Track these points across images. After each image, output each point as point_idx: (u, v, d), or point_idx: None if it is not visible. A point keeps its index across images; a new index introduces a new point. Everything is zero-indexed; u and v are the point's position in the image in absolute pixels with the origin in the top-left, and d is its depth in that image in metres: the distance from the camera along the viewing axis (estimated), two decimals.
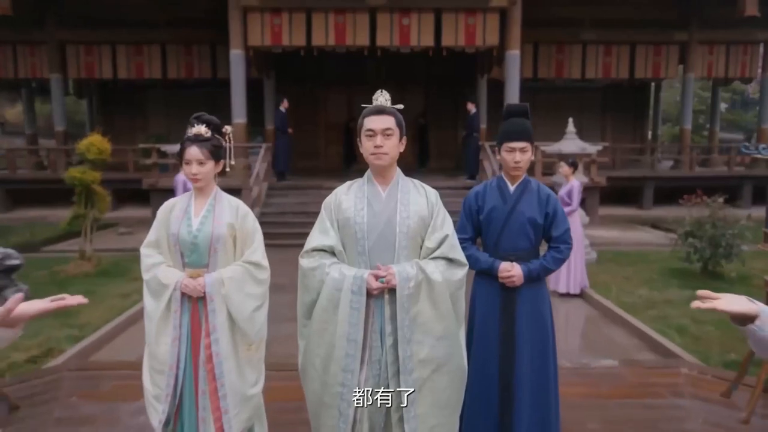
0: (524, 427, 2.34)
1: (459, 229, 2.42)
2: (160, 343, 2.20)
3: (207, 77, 12.41)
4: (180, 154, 2.22)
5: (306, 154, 13.80)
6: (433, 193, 2.08)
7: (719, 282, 6.10)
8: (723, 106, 22.45)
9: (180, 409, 2.23)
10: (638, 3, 11.88)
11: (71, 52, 12.30)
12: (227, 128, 2.33)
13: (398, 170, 2.09)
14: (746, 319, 1.15)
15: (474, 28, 10.11)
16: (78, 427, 2.97)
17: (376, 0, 9.91)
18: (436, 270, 1.95)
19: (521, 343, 2.39)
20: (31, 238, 9.26)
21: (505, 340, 2.40)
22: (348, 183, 2.12)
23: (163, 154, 10.04)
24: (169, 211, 2.27)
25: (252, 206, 8.95)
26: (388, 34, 10.12)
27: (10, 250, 5.41)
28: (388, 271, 1.92)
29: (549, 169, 9.71)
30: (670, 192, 11.60)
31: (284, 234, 8.18)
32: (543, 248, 2.51)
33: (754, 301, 1.16)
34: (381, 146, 1.97)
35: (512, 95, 10.09)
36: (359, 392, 1.89)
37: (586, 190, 7.17)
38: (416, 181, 2.13)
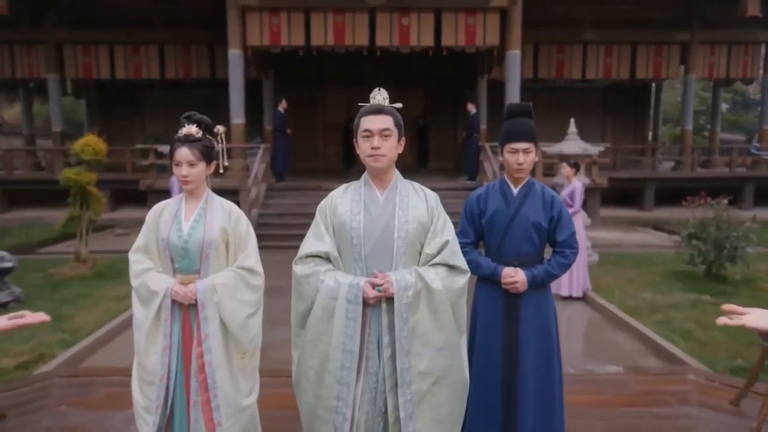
0: None
1: (460, 233, 2.34)
2: (149, 352, 2.11)
3: (205, 77, 12.35)
4: (170, 155, 2.13)
5: (305, 154, 13.73)
6: (433, 197, 1.99)
7: (723, 285, 6.02)
8: (724, 106, 22.40)
9: (171, 421, 2.15)
10: (639, 3, 11.83)
11: (69, 52, 12.23)
12: (219, 128, 2.24)
13: (397, 172, 2.00)
14: None
15: (474, 28, 10.04)
16: None
17: (376, 0, 9.84)
18: (436, 278, 1.87)
19: (525, 351, 2.31)
20: (27, 239, 9.19)
21: (508, 348, 2.32)
22: (344, 186, 2.03)
23: (161, 155, 9.97)
24: (159, 214, 2.19)
25: (250, 207, 8.93)
26: (388, 34, 10.05)
27: (2, 253, 5.34)
28: (386, 279, 1.83)
29: (550, 170, 9.64)
30: (671, 193, 11.53)
31: (283, 236, 8.11)
32: (547, 253, 2.43)
33: None
34: (378, 148, 1.88)
35: (512, 95, 10.03)
36: (355, 406, 1.80)
37: (588, 191, 7.09)
38: (416, 183, 2.04)
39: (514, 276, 2.27)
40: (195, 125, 2.14)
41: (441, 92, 14.24)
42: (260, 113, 12.31)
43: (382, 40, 10.06)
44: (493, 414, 2.31)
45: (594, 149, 8.71)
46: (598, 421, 3.03)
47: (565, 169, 6.03)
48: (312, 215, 2.02)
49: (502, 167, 7.26)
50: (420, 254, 1.93)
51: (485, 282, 2.38)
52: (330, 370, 1.84)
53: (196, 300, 2.09)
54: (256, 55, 10.62)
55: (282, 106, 11.03)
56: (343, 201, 1.96)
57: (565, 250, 2.33)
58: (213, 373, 2.10)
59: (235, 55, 9.98)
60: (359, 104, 1.96)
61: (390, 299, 1.84)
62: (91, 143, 6.65)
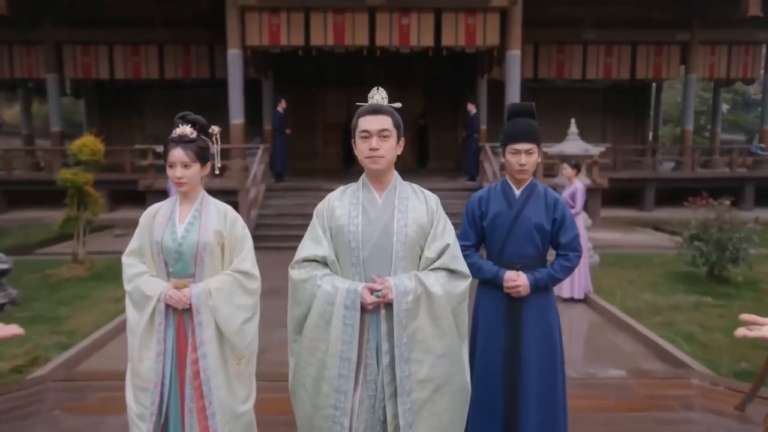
0: None
1: (461, 235, 2.29)
2: (143, 358, 2.07)
3: (205, 77, 12.31)
4: (164, 156, 2.09)
5: (304, 154, 13.68)
6: (433, 199, 1.94)
7: (725, 287, 5.98)
8: (724, 107, 22.37)
9: (165, 428, 2.10)
10: (639, 3, 11.79)
11: (68, 52, 12.18)
12: (214, 128, 2.19)
13: (396, 174, 1.94)
14: None
15: (474, 28, 10.00)
16: None
17: (376, 0, 9.79)
18: (436, 282, 1.81)
19: (527, 356, 2.27)
20: (25, 240, 9.14)
21: (510, 352, 2.27)
22: (342, 188, 1.98)
23: (160, 155, 9.91)
24: (152, 217, 2.14)
25: (249, 208, 8.88)
26: (388, 34, 10.01)
27: None
28: (384, 284, 1.78)
29: (550, 171, 9.59)
30: (671, 193, 11.49)
31: (282, 236, 8.07)
32: (550, 255, 2.38)
33: None
34: (377, 149, 1.82)
35: (513, 96, 9.99)
36: (353, 415, 1.75)
37: (588, 191, 7.04)
38: (415, 185, 1.98)
39: (517, 280, 2.23)
40: (189, 125, 2.09)
41: (441, 92, 14.20)
42: (260, 113, 12.27)
43: (381, 40, 10.02)
44: (494, 417, 2.27)
45: (595, 150, 8.66)
46: (601, 426, 2.99)
47: (567, 169, 5.98)
48: (311, 216, 1.97)
49: (502, 168, 7.16)
50: (420, 258, 1.88)
51: (487, 285, 2.33)
52: (327, 378, 1.79)
53: (190, 305, 2.05)
54: (255, 55, 10.58)
55: (281, 106, 10.99)
56: (340, 203, 1.91)
57: (569, 253, 2.28)
58: (208, 379, 2.06)
59: (234, 55, 9.94)
60: (357, 104, 1.91)
61: (389, 305, 1.79)
62: (88, 143, 6.59)
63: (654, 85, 15.36)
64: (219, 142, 2.21)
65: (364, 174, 1.94)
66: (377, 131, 1.83)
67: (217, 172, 2.20)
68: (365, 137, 1.85)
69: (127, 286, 2.11)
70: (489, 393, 2.27)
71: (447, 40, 10.05)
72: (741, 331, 1.01)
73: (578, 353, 4.49)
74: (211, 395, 2.06)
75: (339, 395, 1.77)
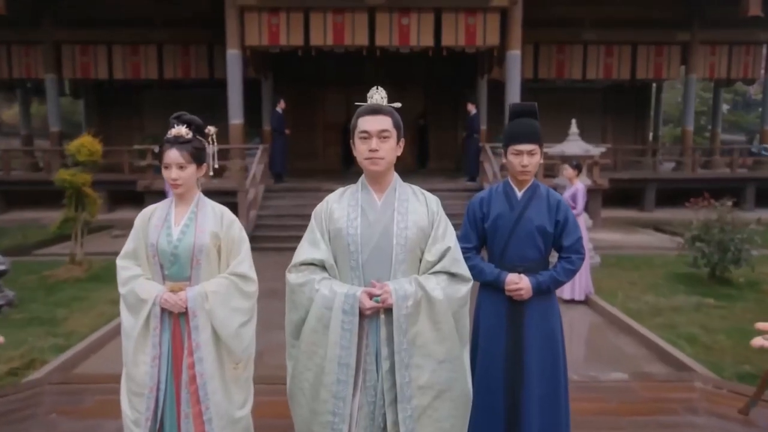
0: None
1: (462, 237, 2.26)
2: (138, 362, 2.03)
3: (204, 77, 12.28)
4: (159, 157, 2.05)
5: (304, 155, 13.65)
6: (434, 201, 1.90)
7: (727, 288, 5.94)
8: (725, 107, 22.35)
9: None
10: (639, 3, 11.76)
11: (67, 52, 12.15)
12: (210, 129, 2.15)
13: (395, 175, 1.91)
14: None
15: (474, 28, 9.97)
16: None
17: (375, 0, 9.76)
18: (437, 286, 1.78)
19: (529, 358, 2.24)
20: (23, 240, 9.11)
21: (512, 355, 2.24)
22: (341, 189, 1.94)
23: (158, 156, 9.86)
24: (147, 219, 2.10)
25: (249, 209, 8.84)
26: (388, 34, 9.98)
27: None
28: (384, 289, 1.74)
29: (550, 171, 9.56)
30: (672, 194, 11.47)
31: (281, 237, 8.03)
32: (553, 258, 2.35)
33: None
34: (377, 150, 1.78)
35: (513, 96, 9.96)
36: (352, 421, 1.71)
37: (589, 192, 7.01)
38: (415, 187, 1.95)
39: (519, 283, 2.19)
40: (185, 126, 2.05)
41: (441, 92, 14.17)
42: (259, 113, 12.24)
43: (381, 40, 9.99)
44: (496, 421, 2.24)
45: (595, 150, 8.63)
46: (603, 430, 2.96)
47: (567, 170, 5.95)
48: (311, 217, 1.94)
49: (502, 168, 7.11)
50: (420, 261, 1.84)
51: (488, 288, 2.30)
52: (325, 384, 1.75)
53: (186, 308, 2.01)
54: (254, 55, 10.55)
55: (280, 107, 10.95)
56: (339, 206, 1.87)
57: (572, 255, 2.25)
58: (205, 384, 2.02)
59: (233, 55, 9.90)
60: (356, 103, 1.87)
61: (388, 310, 1.75)
62: (86, 144, 6.56)
63: (654, 85, 15.33)
64: (215, 143, 2.18)
65: (363, 175, 1.90)
66: (377, 132, 1.79)
67: (211, 173, 2.15)
68: (365, 138, 1.81)
69: (122, 290, 2.07)
70: (490, 396, 2.24)
71: (447, 40, 10.02)
72: (758, 341, 0.97)
73: (579, 355, 4.45)
74: (208, 400, 2.03)
75: (337, 401, 1.73)
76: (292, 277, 1.85)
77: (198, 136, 2.09)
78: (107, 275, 6.48)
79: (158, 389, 2.03)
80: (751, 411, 2.99)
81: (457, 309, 1.82)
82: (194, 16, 11.50)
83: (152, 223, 2.09)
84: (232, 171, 9.77)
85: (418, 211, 1.85)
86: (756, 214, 8.80)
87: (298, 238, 1.95)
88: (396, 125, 1.84)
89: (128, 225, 2.16)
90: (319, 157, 14.37)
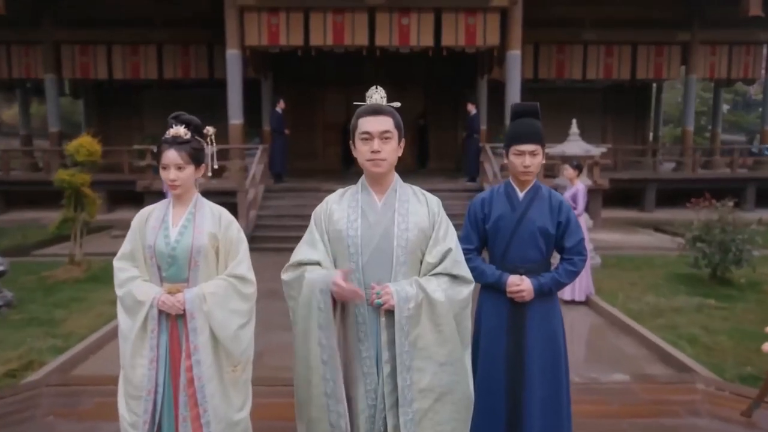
0: None
1: (463, 238, 2.24)
2: (135, 365, 2.01)
3: (204, 78, 12.25)
4: (157, 158, 2.03)
5: (304, 155, 13.63)
6: (434, 202, 1.88)
7: (728, 288, 5.92)
8: (725, 107, 22.34)
9: None
10: (640, 3, 11.74)
11: (66, 52, 12.12)
12: (209, 129, 2.13)
13: (396, 176, 1.89)
14: None
15: (474, 28, 9.95)
16: None
17: (375, 0, 9.74)
18: (438, 288, 1.76)
19: (530, 360, 2.22)
20: (23, 241, 9.08)
21: (513, 357, 2.22)
22: (341, 190, 1.92)
23: (157, 156, 9.83)
24: (145, 220, 2.08)
25: (248, 209, 8.82)
26: (388, 34, 9.95)
27: None
28: (385, 291, 1.73)
29: (550, 171, 9.54)
30: (672, 194, 11.45)
31: (281, 237, 8.01)
32: (554, 259, 2.33)
33: None
34: (379, 151, 1.76)
35: (513, 96, 9.94)
36: (352, 416, 1.69)
37: (589, 192, 6.99)
38: (416, 187, 1.93)
39: (520, 284, 2.17)
40: (183, 126, 2.03)
41: (441, 92, 14.15)
42: (259, 114, 12.22)
43: (381, 40, 9.96)
44: (497, 423, 2.22)
45: (596, 150, 8.61)
46: None
47: (568, 170, 5.93)
48: (311, 217, 1.92)
49: (502, 169, 7.08)
50: (421, 263, 1.82)
51: (490, 289, 2.28)
52: (313, 367, 1.76)
53: (184, 310, 1.99)
54: (254, 55, 10.52)
55: (280, 107, 10.93)
56: (339, 207, 1.85)
57: (574, 257, 2.23)
58: (203, 387, 2.00)
59: (233, 55, 9.88)
60: (355, 103, 1.85)
61: (389, 313, 1.74)
62: (85, 144, 6.53)
63: (654, 85, 15.31)
64: (214, 143, 2.16)
65: (363, 176, 1.88)
66: (379, 133, 1.77)
67: (210, 174, 2.13)
68: (366, 139, 1.79)
69: (119, 291, 2.05)
70: (491, 398, 2.22)
71: (447, 40, 10.00)
72: None
73: (580, 357, 4.43)
74: (206, 403, 2.01)
75: (327, 383, 1.73)
76: (287, 275, 1.85)
77: (196, 137, 2.07)
78: (106, 276, 6.43)
79: (156, 392, 2.01)
80: (754, 413, 2.97)
81: (459, 311, 1.80)
82: (194, 16, 11.48)
83: (149, 224, 2.07)
84: (232, 171, 9.75)
85: (419, 212, 1.83)
86: (756, 215, 8.79)
87: (298, 239, 1.94)
88: (397, 126, 1.82)
89: (127, 225, 2.14)
90: (318, 157, 14.35)
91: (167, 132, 2.03)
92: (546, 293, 2.22)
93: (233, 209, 2.56)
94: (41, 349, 4.14)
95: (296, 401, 1.89)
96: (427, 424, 1.74)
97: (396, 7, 9.83)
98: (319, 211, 1.88)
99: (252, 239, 7.93)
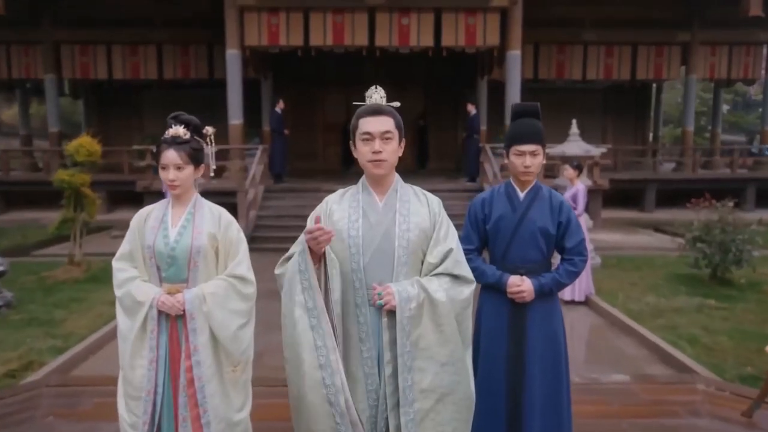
0: None
1: (463, 238, 2.23)
2: (135, 366, 2.01)
3: (204, 78, 12.25)
4: (156, 158, 2.02)
5: (304, 155, 13.63)
6: (435, 202, 1.88)
7: (729, 289, 5.92)
8: (725, 107, 22.34)
9: None
10: (640, 3, 11.74)
11: (66, 52, 12.12)
12: (208, 129, 2.13)
13: (397, 176, 1.88)
14: None
15: (474, 28, 9.95)
16: None
17: (375, 0, 9.74)
18: (439, 288, 1.75)
19: (531, 361, 2.22)
20: (22, 241, 9.08)
21: (514, 357, 2.22)
22: (341, 191, 1.91)
23: (156, 156, 9.83)
24: (144, 220, 2.07)
25: (248, 209, 8.82)
26: (387, 34, 9.96)
27: None
28: (387, 291, 1.72)
29: (550, 171, 9.54)
30: (672, 194, 11.44)
31: (281, 238, 8.00)
32: (555, 259, 2.32)
33: None
34: (380, 152, 1.76)
35: (513, 96, 9.94)
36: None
37: (589, 192, 6.99)
38: (417, 188, 1.92)
39: (521, 285, 2.17)
40: (182, 126, 2.02)
41: (441, 92, 14.15)
42: (259, 114, 12.21)
43: (381, 40, 9.96)
44: (497, 424, 2.22)
45: (596, 150, 8.61)
46: None
47: (568, 171, 5.93)
48: None
49: (502, 169, 7.07)
50: (422, 263, 1.82)
51: (490, 290, 2.28)
52: (302, 343, 1.75)
53: (184, 310, 1.99)
54: (254, 55, 10.52)
55: (279, 107, 10.93)
56: (339, 207, 1.85)
57: (574, 257, 2.23)
58: (203, 387, 2.00)
59: (233, 55, 9.88)
60: (354, 103, 1.84)
61: (391, 313, 1.73)
62: (85, 144, 6.53)
63: (654, 85, 15.31)
64: (213, 143, 2.15)
65: (363, 176, 1.88)
66: (380, 133, 1.77)
67: (212, 174, 2.13)
68: (367, 140, 1.78)
69: (118, 292, 2.05)
70: (492, 399, 2.22)
71: (447, 40, 10.00)
72: None
73: (580, 357, 4.43)
74: (206, 403, 2.00)
75: (320, 357, 1.70)
76: (279, 269, 1.85)
77: (196, 137, 2.07)
78: (106, 276, 6.44)
79: (155, 393, 2.01)
80: (754, 413, 2.97)
81: (460, 311, 1.79)
82: (194, 16, 11.48)
83: (149, 224, 2.06)
84: (232, 171, 9.75)
85: (420, 212, 1.83)
86: (756, 215, 8.79)
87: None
88: (398, 126, 1.81)
89: (127, 225, 2.14)
90: (318, 157, 14.34)
91: (166, 132, 2.03)
92: (546, 294, 2.22)
93: (233, 209, 2.56)
94: (41, 350, 4.14)
95: (290, 397, 1.84)
96: (429, 424, 1.73)
97: (396, 7, 9.83)
98: (319, 211, 1.88)
99: (252, 239, 7.93)
